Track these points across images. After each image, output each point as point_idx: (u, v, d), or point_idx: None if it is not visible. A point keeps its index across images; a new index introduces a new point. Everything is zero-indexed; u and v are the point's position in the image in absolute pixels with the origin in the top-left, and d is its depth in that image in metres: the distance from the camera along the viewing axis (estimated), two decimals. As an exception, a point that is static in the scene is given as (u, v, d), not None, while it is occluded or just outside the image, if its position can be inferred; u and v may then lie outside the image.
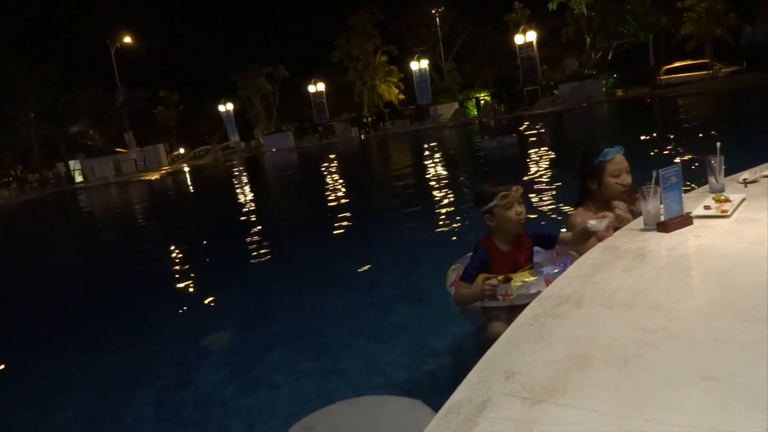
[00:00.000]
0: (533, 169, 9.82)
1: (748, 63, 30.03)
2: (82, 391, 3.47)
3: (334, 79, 43.22)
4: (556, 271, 2.69)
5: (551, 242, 2.90)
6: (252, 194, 15.28)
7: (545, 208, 6.23)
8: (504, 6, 38.25)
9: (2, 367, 4.12)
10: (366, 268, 5.11)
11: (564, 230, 3.06)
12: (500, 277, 2.65)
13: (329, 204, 9.99)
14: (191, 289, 5.61)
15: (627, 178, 2.69)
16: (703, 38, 33.30)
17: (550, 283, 2.67)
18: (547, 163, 10.57)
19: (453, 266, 3.24)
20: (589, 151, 2.77)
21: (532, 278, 2.69)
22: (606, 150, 2.68)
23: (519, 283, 2.68)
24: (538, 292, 2.57)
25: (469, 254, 3.24)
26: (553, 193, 7.19)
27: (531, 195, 7.10)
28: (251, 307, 4.60)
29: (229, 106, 42.68)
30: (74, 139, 42.93)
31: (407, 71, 39.32)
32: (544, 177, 8.66)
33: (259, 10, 76.79)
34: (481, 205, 2.80)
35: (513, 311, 2.70)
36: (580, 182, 2.81)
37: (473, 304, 2.88)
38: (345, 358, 3.22)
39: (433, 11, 40.09)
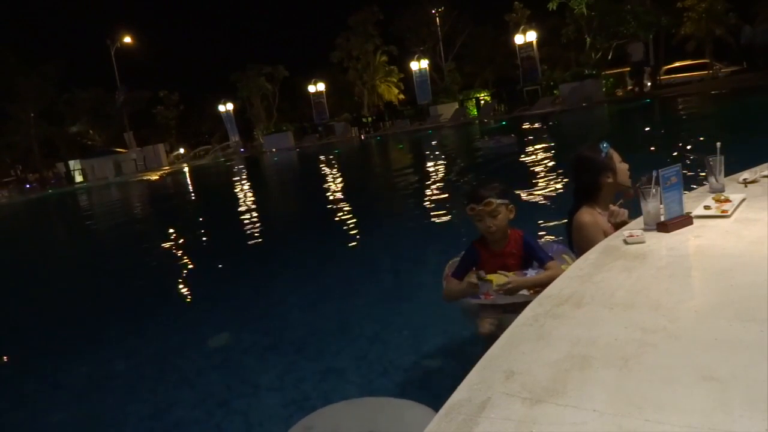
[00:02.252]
0: (530, 168, 9.82)
1: (748, 63, 30.01)
2: (80, 391, 3.47)
3: (334, 79, 43.16)
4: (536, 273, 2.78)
5: (536, 263, 2.90)
6: (251, 194, 15.28)
7: (542, 206, 6.23)
8: (504, 6, 38.24)
9: (2, 365, 4.12)
10: (365, 267, 5.11)
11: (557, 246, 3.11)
12: (475, 274, 2.78)
13: (328, 204, 9.99)
14: (191, 289, 5.61)
15: (625, 164, 2.79)
16: (703, 38, 33.30)
17: None
18: (544, 161, 10.57)
19: (450, 261, 3.30)
20: (587, 153, 2.79)
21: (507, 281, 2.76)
22: (602, 143, 2.76)
23: (502, 282, 2.75)
24: (518, 296, 2.64)
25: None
26: (550, 190, 7.19)
27: (528, 193, 7.10)
28: (250, 306, 4.60)
29: (229, 106, 42.64)
30: (74, 139, 42.90)
31: (407, 71, 39.26)
32: (541, 176, 8.66)
33: (259, 10, 76.75)
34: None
35: (504, 310, 2.75)
36: (586, 183, 2.79)
37: (471, 303, 2.93)
38: (345, 358, 3.22)
39: (433, 11, 40.04)
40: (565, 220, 2.97)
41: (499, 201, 2.79)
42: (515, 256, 2.89)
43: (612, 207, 2.64)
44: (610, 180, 2.73)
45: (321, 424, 2.03)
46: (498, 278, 2.78)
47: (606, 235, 2.56)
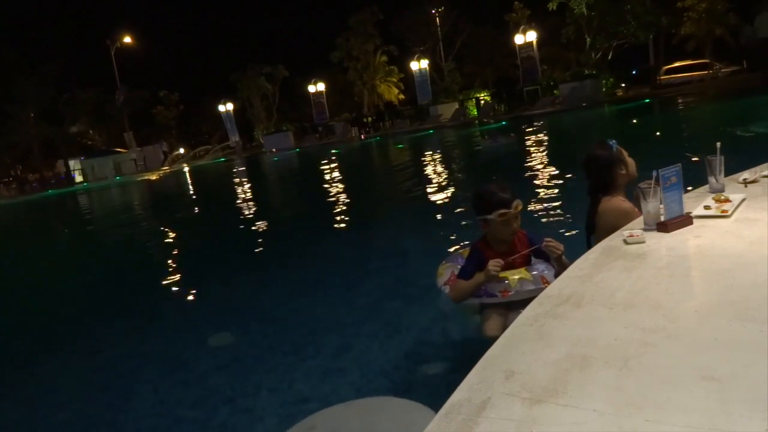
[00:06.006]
0: (529, 168, 9.82)
1: (748, 63, 30.00)
2: (80, 391, 3.47)
3: (334, 79, 43.16)
4: (552, 269, 2.81)
5: (539, 256, 3.01)
6: (251, 194, 15.28)
7: (541, 205, 6.23)
8: (504, 6, 38.24)
9: (2, 365, 4.12)
10: (365, 268, 5.11)
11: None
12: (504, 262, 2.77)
13: (328, 204, 9.99)
14: (192, 290, 5.60)
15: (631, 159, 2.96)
16: (703, 38, 33.30)
17: (546, 279, 2.75)
18: (543, 161, 10.58)
19: (443, 264, 3.31)
20: (599, 150, 2.90)
21: (528, 275, 2.78)
22: (610, 141, 2.90)
23: (517, 276, 2.77)
24: (536, 289, 2.67)
25: (459, 252, 3.34)
26: (549, 190, 7.19)
27: (525, 192, 7.10)
28: (250, 307, 4.59)
29: (229, 106, 42.64)
30: (74, 139, 42.90)
31: (407, 71, 39.29)
32: (540, 175, 8.66)
33: (259, 10, 76.72)
34: (478, 212, 2.88)
35: (508, 309, 2.77)
36: (602, 177, 2.89)
37: (472, 303, 2.94)
38: (344, 358, 3.22)
39: (433, 11, 40.03)
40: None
41: (520, 201, 2.83)
42: (521, 254, 2.90)
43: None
44: (623, 172, 2.86)
45: (322, 425, 2.03)
46: (511, 275, 2.79)
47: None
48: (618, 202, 2.82)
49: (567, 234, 4.82)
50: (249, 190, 16.40)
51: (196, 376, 3.35)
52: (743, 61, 30.65)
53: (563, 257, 2.80)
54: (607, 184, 2.89)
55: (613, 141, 2.90)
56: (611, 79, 31.33)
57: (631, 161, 2.90)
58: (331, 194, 11.62)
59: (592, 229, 2.87)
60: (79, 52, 62.09)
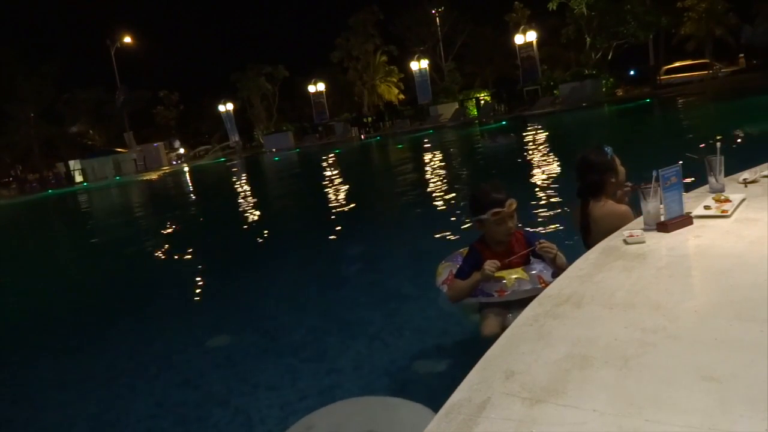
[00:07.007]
0: (529, 168, 9.81)
1: (747, 62, 30.01)
2: (80, 390, 3.47)
3: (334, 79, 43.17)
4: (550, 269, 2.81)
5: (537, 256, 2.99)
6: (251, 194, 15.28)
7: (540, 204, 6.23)
8: (504, 6, 38.25)
9: (3, 365, 4.12)
10: (365, 268, 5.11)
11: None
12: (503, 262, 2.77)
13: (329, 204, 9.99)
14: (192, 289, 5.60)
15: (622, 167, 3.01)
16: (703, 38, 33.32)
17: (543, 279, 2.75)
18: (543, 161, 10.57)
19: (443, 263, 3.31)
20: (594, 155, 2.91)
21: (525, 275, 2.78)
22: (606, 147, 2.92)
23: (514, 276, 2.76)
24: (533, 289, 2.68)
25: (458, 252, 3.34)
26: (548, 190, 7.19)
27: (525, 192, 7.09)
28: (251, 307, 4.60)
29: (229, 106, 42.64)
30: (74, 139, 42.90)
31: (407, 71, 39.31)
32: (539, 175, 8.66)
33: (259, 10, 76.73)
34: (473, 213, 2.88)
35: (507, 309, 2.77)
36: (593, 182, 2.90)
37: (470, 302, 2.94)
38: (344, 358, 3.22)
39: (433, 11, 40.05)
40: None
41: (515, 200, 2.83)
42: (519, 255, 2.89)
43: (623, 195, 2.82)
44: (613, 180, 2.88)
45: (321, 423, 2.03)
46: (508, 274, 2.79)
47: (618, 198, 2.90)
48: (613, 205, 2.85)
49: (565, 233, 4.81)
50: (249, 190, 16.40)
51: (195, 376, 3.35)
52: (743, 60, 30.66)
53: (559, 255, 2.79)
54: (597, 189, 2.92)
55: (609, 148, 2.92)
56: (611, 79, 31.33)
57: (621, 170, 2.93)
58: (331, 194, 11.62)
59: (587, 231, 2.88)
60: (79, 52, 62.19)
